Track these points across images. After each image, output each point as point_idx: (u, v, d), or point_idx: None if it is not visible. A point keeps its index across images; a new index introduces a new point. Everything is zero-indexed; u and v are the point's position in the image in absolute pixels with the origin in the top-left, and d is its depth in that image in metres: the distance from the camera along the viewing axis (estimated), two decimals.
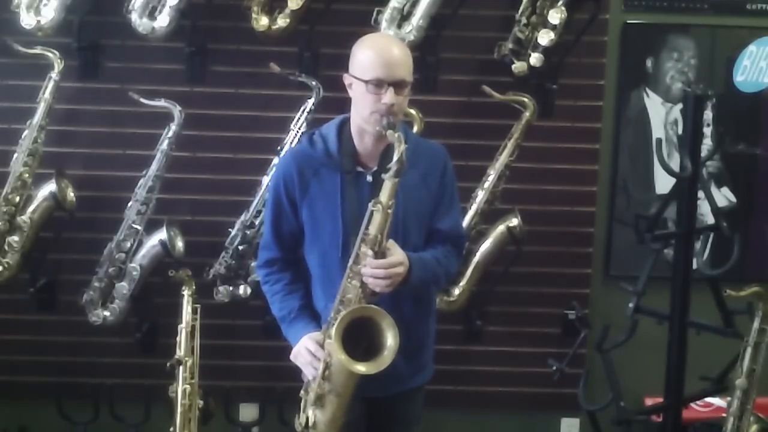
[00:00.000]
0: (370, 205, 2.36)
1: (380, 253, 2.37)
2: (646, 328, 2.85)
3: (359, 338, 2.41)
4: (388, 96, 2.39)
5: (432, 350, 2.75)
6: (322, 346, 2.47)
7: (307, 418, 2.52)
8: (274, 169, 3.28)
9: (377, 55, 2.42)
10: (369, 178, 2.53)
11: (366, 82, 2.41)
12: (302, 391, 2.59)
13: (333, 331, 2.38)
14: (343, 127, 2.57)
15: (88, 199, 3.49)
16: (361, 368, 2.38)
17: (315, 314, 2.61)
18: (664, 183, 3.59)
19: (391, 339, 2.38)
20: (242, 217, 3.39)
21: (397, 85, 2.41)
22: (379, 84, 2.40)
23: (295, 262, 2.66)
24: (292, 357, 2.57)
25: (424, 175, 2.57)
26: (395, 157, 2.33)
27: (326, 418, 2.51)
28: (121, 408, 3.57)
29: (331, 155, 2.54)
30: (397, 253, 2.41)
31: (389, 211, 2.36)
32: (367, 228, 2.37)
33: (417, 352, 2.65)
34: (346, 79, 2.51)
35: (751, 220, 3.73)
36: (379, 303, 2.43)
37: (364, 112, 2.45)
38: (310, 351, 2.50)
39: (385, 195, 2.35)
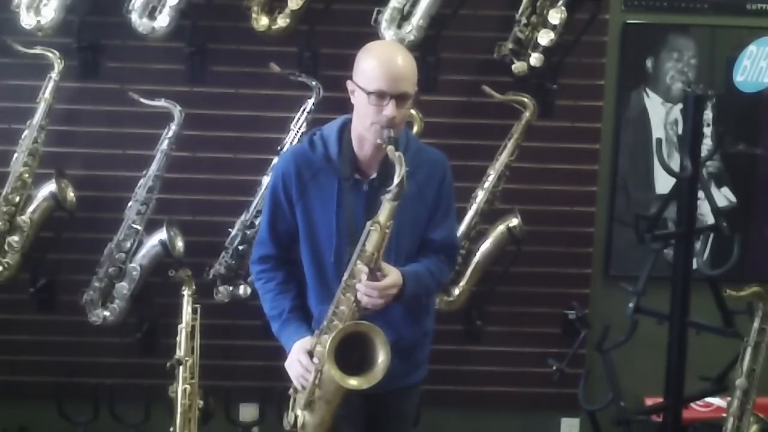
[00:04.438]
0: (368, 224, 2.34)
1: (375, 270, 2.36)
2: (646, 328, 2.86)
3: (351, 349, 2.42)
4: (390, 109, 2.36)
5: (428, 350, 2.75)
6: (312, 355, 2.48)
7: (296, 417, 2.54)
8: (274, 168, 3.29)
9: (381, 66, 2.38)
10: (365, 187, 2.51)
11: (368, 93, 2.38)
12: (291, 390, 2.60)
13: (326, 347, 2.38)
14: (344, 131, 2.55)
15: (88, 199, 3.49)
16: (353, 382, 2.40)
17: (306, 315, 2.62)
18: (664, 183, 3.58)
19: (383, 354, 2.39)
20: (242, 217, 3.40)
21: (400, 98, 2.38)
22: (381, 96, 2.37)
23: (289, 261, 2.66)
24: (286, 365, 2.58)
25: (422, 185, 2.54)
26: (396, 181, 2.29)
27: (315, 422, 2.53)
28: (121, 408, 3.57)
29: (330, 159, 2.53)
30: (392, 274, 2.41)
31: (387, 231, 2.34)
32: (363, 245, 2.36)
33: (410, 351, 2.65)
34: (349, 86, 2.48)
35: (751, 220, 3.73)
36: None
37: (365, 121, 2.43)
38: (302, 364, 2.50)
39: (383, 216, 2.33)
